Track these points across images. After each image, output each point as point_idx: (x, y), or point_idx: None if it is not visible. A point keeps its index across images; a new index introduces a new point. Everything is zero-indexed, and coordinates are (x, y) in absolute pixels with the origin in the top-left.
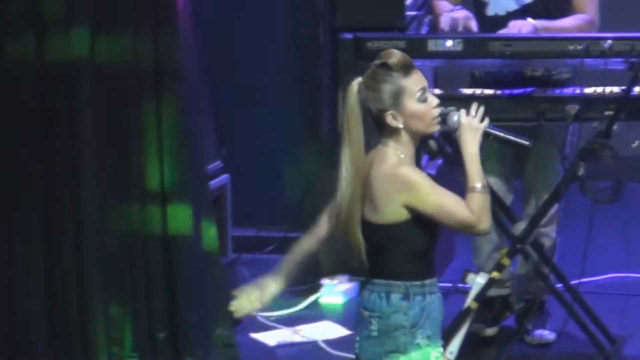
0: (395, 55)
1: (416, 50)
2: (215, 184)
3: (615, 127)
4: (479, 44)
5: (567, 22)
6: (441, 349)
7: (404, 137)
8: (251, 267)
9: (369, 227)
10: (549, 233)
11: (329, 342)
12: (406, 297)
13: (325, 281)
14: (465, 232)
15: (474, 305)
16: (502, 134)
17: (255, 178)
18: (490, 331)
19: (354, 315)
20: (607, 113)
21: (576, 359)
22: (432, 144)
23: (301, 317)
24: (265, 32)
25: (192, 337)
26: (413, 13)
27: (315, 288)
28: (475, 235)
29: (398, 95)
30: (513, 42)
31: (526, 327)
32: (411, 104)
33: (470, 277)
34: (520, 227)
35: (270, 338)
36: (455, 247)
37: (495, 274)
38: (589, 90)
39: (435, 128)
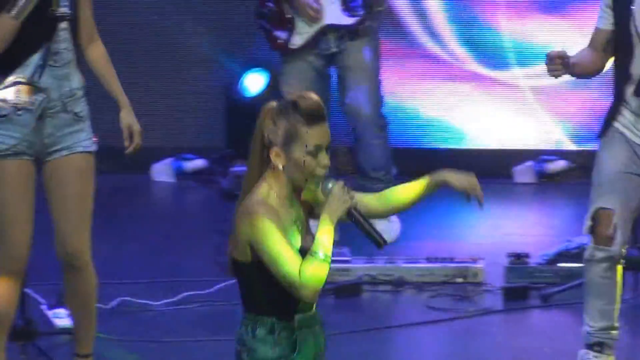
0: (309, 101)
1: None
2: None
3: None
4: None
5: None
6: None
7: (283, 178)
8: None
9: (233, 262)
10: None
11: None
12: (272, 331)
13: None
14: (290, 291)
15: None
16: (364, 222)
17: None
18: None
19: None
20: None
21: None
22: None
23: None
24: None
25: None
26: None
27: None
28: (299, 298)
29: (291, 139)
30: None
31: None
32: (299, 153)
33: None
34: None
35: None
36: None
37: None
38: None
39: (312, 186)
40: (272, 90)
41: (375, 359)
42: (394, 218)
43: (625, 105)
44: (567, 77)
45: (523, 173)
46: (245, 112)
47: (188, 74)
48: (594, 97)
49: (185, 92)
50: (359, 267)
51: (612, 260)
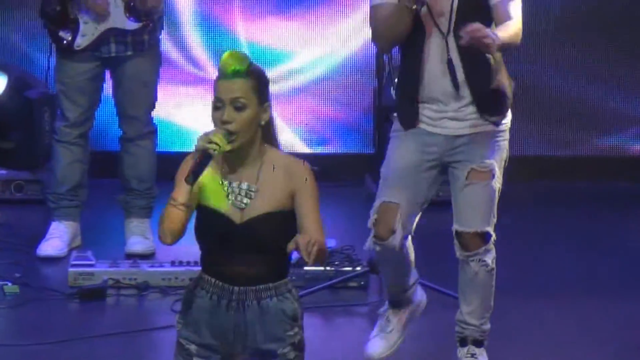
0: (226, 57)
1: None
2: None
3: None
4: None
5: None
6: (189, 345)
7: None
8: None
9: None
10: None
11: None
12: (193, 281)
13: None
14: None
15: None
16: (199, 164)
17: None
18: None
19: None
20: None
21: None
22: None
23: None
24: None
25: None
26: None
27: None
28: None
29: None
30: None
31: None
32: (212, 106)
33: None
34: None
35: None
36: None
37: None
38: None
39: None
40: (12, 92)
41: None
42: (150, 236)
43: (421, 98)
44: (297, 84)
45: None
46: None
47: None
48: (319, 102)
49: None
50: (103, 270)
51: (393, 249)
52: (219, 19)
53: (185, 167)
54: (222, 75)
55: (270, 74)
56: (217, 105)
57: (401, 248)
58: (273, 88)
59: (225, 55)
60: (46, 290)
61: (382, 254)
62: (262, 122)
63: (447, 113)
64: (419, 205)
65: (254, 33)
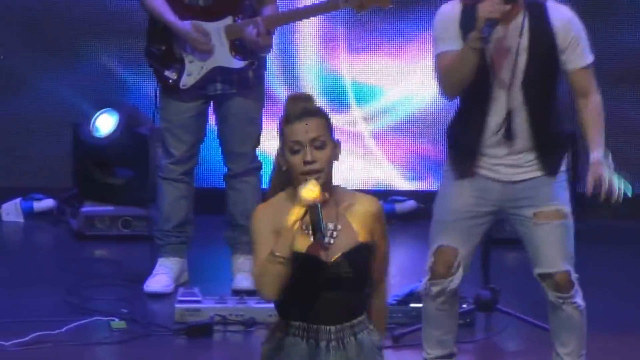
0: (292, 100)
1: None
2: None
3: None
4: None
5: None
6: None
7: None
8: None
9: None
10: None
11: None
12: (271, 329)
13: None
14: None
15: None
16: (318, 217)
17: None
18: None
19: None
20: None
21: None
22: None
23: None
24: None
25: None
26: None
27: None
28: None
29: (282, 140)
30: None
31: None
32: (286, 152)
33: None
34: None
35: None
36: None
37: None
38: None
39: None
40: (124, 130)
41: None
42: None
43: (482, 150)
44: (395, 120)
45: None
46: (94, 152)
47: (36, 112)
48: (417, 138)
49: (32, 131)
50: (210, 307)
51: (448, 294)
52: (322, 56)
53: (265, 221)
54: (294, 117)
55: (369, 110)
56: (296, 149)
57: (456, 292)
58: (372, 125)
59: (291, 98)
60: (153, 326)
61: (436, 297)
62: (336, 160)
63: (503, 159)
64: (474, 247)
65: (355, 70)
